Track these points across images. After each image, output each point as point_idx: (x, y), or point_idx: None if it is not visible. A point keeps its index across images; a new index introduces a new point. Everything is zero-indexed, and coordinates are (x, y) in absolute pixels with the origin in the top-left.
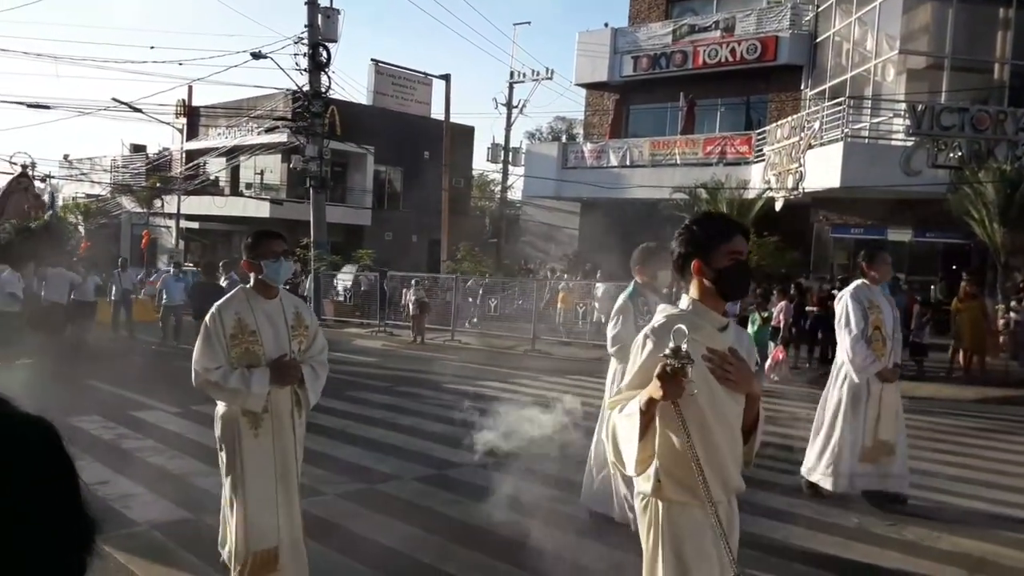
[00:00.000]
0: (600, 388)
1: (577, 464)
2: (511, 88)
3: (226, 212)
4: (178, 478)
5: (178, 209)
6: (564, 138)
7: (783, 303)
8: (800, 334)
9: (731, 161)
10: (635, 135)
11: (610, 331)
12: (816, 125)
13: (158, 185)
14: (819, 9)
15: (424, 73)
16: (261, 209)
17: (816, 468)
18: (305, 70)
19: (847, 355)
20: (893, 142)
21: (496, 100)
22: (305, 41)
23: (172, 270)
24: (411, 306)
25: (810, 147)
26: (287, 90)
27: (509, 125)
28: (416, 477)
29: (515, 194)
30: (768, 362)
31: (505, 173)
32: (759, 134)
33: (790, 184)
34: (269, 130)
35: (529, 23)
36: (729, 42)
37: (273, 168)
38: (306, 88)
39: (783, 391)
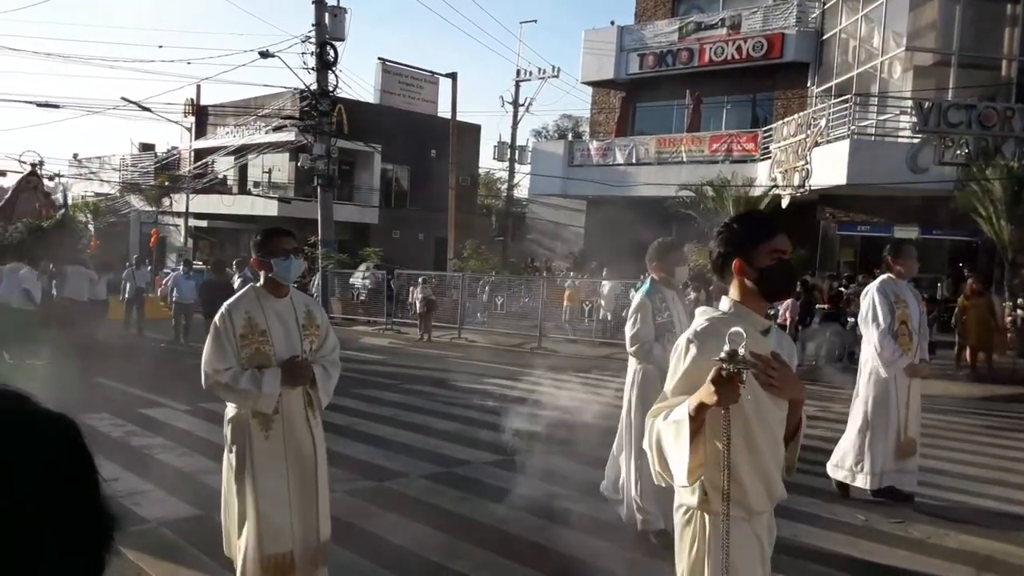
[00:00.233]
0: (609, 385)
1: (582, 461)
2: (517, 86)
3: (234, 211)
4: (187, 475)
5: (187, 207)
6: (570, 136)
7: (789, 301)
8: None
9: (737, 159)
10: (641, 133)
11: (629, 330)
12: (822, 122)
13: (167, 184)
14: (825, 6)
15: (431, 72)
16: (269, 207)
17: (847, 466)
18: (312, 69)
19: (875, 349)
20: (900, 139)
21: (502, 98)
22: (312, 40)
23: (182, 268)
24: (418, 304)
25: (816, 144)
26: (295, 89)
27: (515, 123)
28: (424, 474)
29: (521, 192)
30: None
31: (511, 171)
32: (765, 132)
33: (796, 182)
34: (277, 129)
35: (535, 21)
36: (735, 39)
37: (281, 167)
38: (313, 87)
39: None
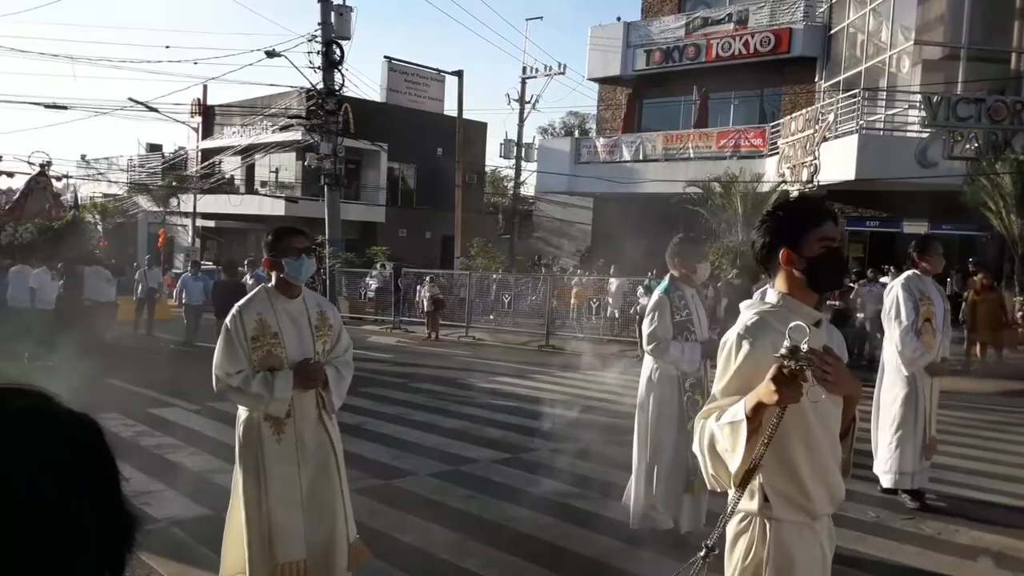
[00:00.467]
0: (617, 382)
1: (589, 460)
2: (523, 83)
3: (242, 210)
4: (198, 475)
5: (194, 208)
6: (577, 133)
7: None
8: None
9: (745, 154)
10: (648, 129)
11: (646, 328)
12: (831, 117)
13: (174, 184)
14: (833, 0)
15: (437, 70)
16: (276, 207)
17: (877, 467)
18: (319, 68)
19: (896, 347)
20: (908, 134)
21: (509, 96)
22: (318, 39)
23: (190, 270)
24: (425, 302)
25: (825, 139)
26: (301, 88)
27: (522, 121)
28: (432, 473)
29: (528, 189)
30: None
31: (518, 169)
32: (773, 127)
33: (805, 177)
34: (283, 128)
35: (541, 18)
36: (742, 35)
37: (288, 166)
38: (320, 86)
39: None
